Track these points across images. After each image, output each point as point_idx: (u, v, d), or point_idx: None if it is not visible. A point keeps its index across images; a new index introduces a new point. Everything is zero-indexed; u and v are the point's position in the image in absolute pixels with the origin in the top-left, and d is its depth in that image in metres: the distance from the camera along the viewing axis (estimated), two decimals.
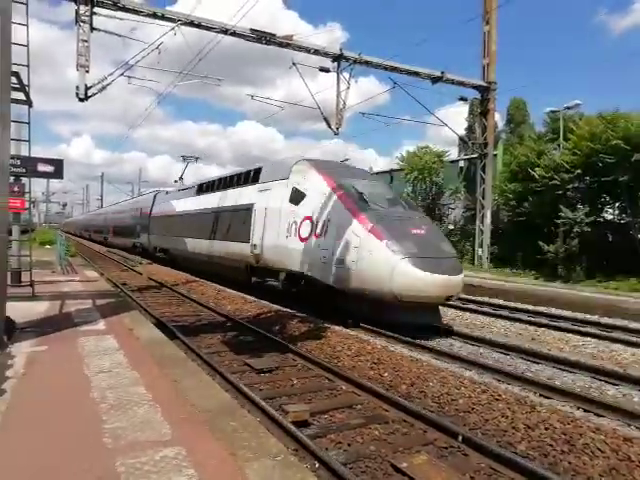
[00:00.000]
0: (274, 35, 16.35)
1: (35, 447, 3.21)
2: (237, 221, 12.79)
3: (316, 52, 17.24)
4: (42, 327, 6.63)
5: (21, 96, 9.66)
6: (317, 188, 9.91)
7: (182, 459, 3.10)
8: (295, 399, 5.46)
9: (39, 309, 7.91)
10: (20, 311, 7.04)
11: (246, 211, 12.31)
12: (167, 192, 23.76)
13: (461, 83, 19.82)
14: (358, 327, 8.77)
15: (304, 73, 17.40)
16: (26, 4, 9.08)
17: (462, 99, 20.81)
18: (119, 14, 14.71)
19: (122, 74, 15.74)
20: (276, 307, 10.54)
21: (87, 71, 14.34)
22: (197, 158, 28.45)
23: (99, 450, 3.18)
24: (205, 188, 17.26)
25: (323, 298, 9.63)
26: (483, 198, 20.32)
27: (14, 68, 7.12)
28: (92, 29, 14.39)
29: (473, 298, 13.10)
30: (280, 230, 10.56)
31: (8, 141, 6.27)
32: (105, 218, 39.57)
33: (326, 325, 8.66)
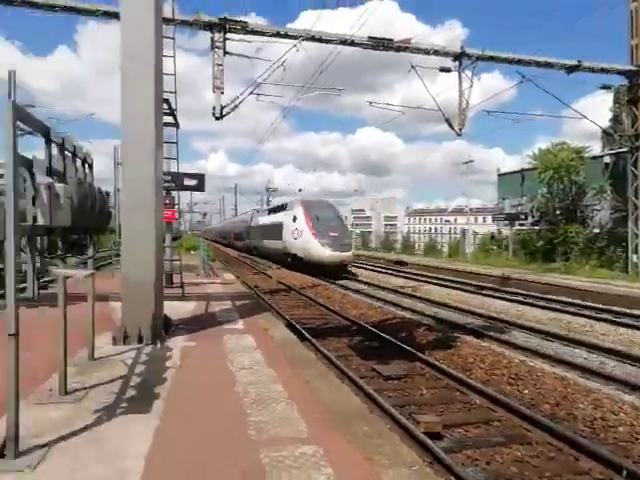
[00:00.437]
0: (391, 40, 16.27)
1: (189, 432, 3.57)
2: (279, 229, 24.06)
3: (435, 52, 16.72)
4: (191, 324, 7.41)
5: (170, 119, 11.03)
6: (299, 215, 21.62)
7: (320, 458, 3.19)
8: (425, 409, 5.30)
9: (188, 308, 8.86)
10: (173, 309, 7.94)
11: (280, 224, 23.97)
12: (257, 211, 37.13)
13: (603, 70, 17.57)
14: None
15: (423, 75, 17.02)
16: (173, 39, 10.38)
17: (604, 87, 18.46)
18: (248, 37, 15.91)
19: (251, 92, 16.94)
20: (401, 314, 10.42)
21: (222, 92, 15.70)
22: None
23: (245, 440, 3.42)
24: (270, 211, 30.38)
25: (305, 266, 20.40)
26: (636, 197, 17.75)
27: (164, 95, 8.14)
28: (225, 53, 15.74)
29: (629, 312, 11.39)
30: (290, 234, 22.07)
31: (161, 160, 7.18)
32: (230, 227, 52.74)
33: (455, 335, 8.30)
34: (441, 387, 6.08)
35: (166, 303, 7.22)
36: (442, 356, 7.32)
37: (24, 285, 3.44)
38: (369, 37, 16.09)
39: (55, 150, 4.15)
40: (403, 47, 16.36)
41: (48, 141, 4.02)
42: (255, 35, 15.85)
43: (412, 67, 16.89)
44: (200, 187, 13.46)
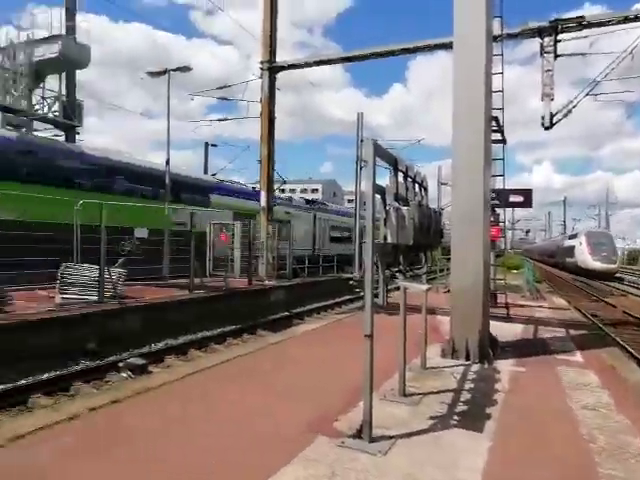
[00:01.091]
0: None
1: (526, 462, 3.32)
2: (572, 250, 37.63)
3: None
4: (518, 348, 7.01)
5: (497, 136, 10.90)
6: (583, 241, 36.05)
7: None
8: None
9: (514, 330, 8.42)
10: (499, 330, 7.67)
11: (573, 247, 37.64)
12: (564, 235, 50.88)
13: None
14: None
15: None
16: (501, 55, 10.23)
17: None
18: (584, 32, 14.20)
19: (587, 93, 14.97)
20: None
21: (552, 99, 14.52)
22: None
23: None
24: (569, 237, 43.51)
25: (586, 273, 34.19)
26: None
27: (492, 113, 8.09)
28: (556, 57, 14.51)
29: None
30: (578, 253, 36.26)
31: (489, 178, 7.13)
32: (547, 246, 61.56)
33: None
34: None
35: (491, 323, 7.06)
36: None
37: (376, 293, 4.03)
38: None
39: (400, 177, 4.74)
40: None
41: (395, 170, 4.63)
42: (594, 28, 14.04)
43: None
44: (527, 203, 12.74)
